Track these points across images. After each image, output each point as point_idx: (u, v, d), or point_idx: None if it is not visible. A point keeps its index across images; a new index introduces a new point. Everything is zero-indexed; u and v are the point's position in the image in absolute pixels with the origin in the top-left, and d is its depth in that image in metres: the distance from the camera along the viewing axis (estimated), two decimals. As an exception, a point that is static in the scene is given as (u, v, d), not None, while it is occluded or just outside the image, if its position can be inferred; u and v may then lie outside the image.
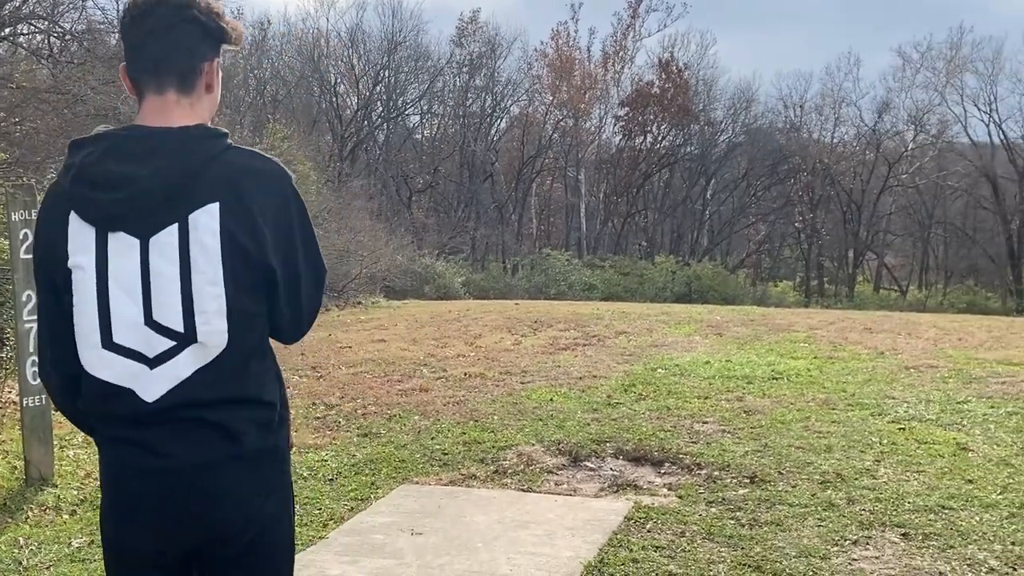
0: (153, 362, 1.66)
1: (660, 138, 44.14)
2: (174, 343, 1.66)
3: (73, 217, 1.66)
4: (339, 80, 40.55)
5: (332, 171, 29.98)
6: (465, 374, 8.64)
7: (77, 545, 4.30)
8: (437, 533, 4.47)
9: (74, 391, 1.76)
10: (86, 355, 1.68)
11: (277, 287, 1.73)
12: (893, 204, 49.08)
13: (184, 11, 1.72)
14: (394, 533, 4.47)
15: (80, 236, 1.66)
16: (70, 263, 1.66)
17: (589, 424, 6.56)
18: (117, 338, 1.66)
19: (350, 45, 40.07)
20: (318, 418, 6.97)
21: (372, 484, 5.28)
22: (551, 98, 42.27)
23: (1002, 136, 50.41)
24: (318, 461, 5.75)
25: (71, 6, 14.50)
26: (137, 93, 1.75)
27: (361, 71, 40.17)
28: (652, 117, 43.15)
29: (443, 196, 42.37)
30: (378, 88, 40.37)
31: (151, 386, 1.66)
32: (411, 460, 5.76)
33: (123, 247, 1.64)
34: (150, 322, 1.65)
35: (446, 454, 5.88)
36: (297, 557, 2.83)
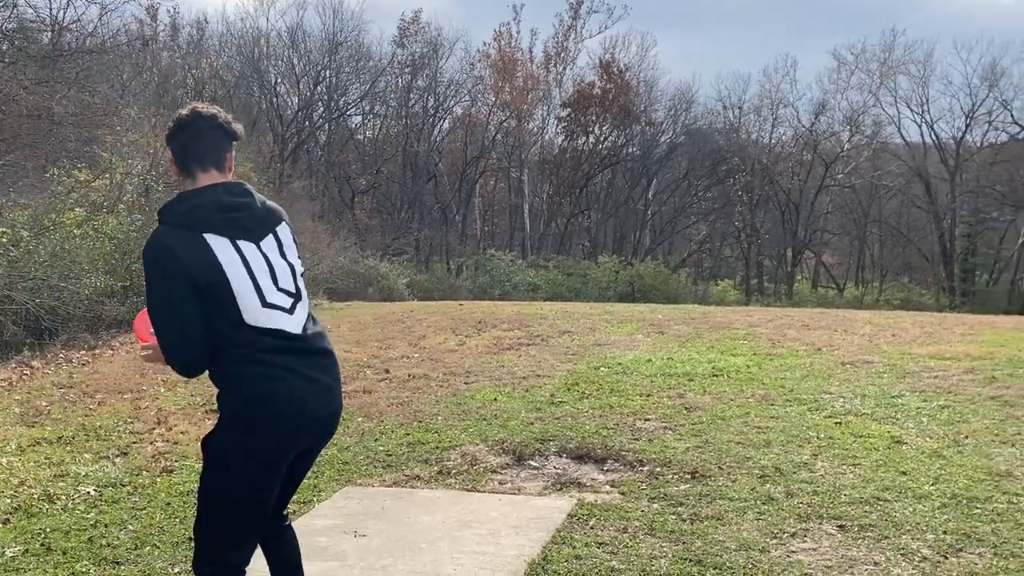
0: (289, 311, 2.71)
1: (602, 139, 44.48)
2: (293, 299, 2.75)
3: (209, 236, 2.61)
4: (279, 80, 40.11)
5: (273, 172, 29.59)
6: (409, 375, 8.61)
7: (11, 554, 4.19)
8: (380, 534, 4.45)
9: (207, 357, 2.64)
10: (251, 314, 2.63)
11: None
12: (830, 204, 50.18)
13: (212, 121, 2.73)
14: (337, 535, 4.44)
15: (220, 245, 2.62)
16: (222, 260, 2.60)
17: (533, 423, 6.59)
18: (269, 299, 2.67)
19: (291, 45, 39.65)
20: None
21: (315, 487, 5.24)
22: (494, 99, 42.32)
23: (934, 136, 51.75)
24: (260, 465, 5.67)
25: (1, 4, 14.09)
26: (186, 174, 2.74)
27: (302, 71, 39.77)
28: (594, 118, 43.47)
29: (386, 197, 42.13)
30: (319, 88, 40.00)
31: (292, 326, 2.70)
32: (354, 462, 5.72)
33: (250, 248, 2.67)
34: (279, 289, 2.71)
35: (390, 455, 5.86)
36: (238, 561, 2.81)
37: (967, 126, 51.38)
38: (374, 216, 39.80)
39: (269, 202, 2.82)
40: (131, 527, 4.56)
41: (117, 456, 5.89)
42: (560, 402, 7.31)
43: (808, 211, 47.32)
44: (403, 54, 41.68)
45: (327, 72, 39.79)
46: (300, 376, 2.65)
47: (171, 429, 6.57)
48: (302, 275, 2.84)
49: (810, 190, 47.29)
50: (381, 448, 6.02)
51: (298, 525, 4.51)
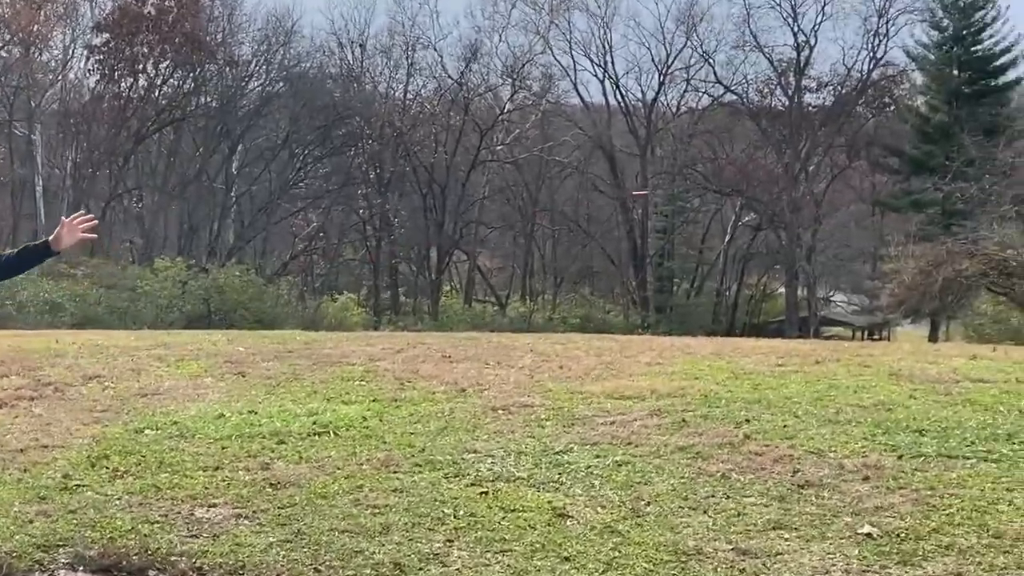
0: None
1: (159, 82, 43.55)
2: None
3: None
4: None
5: None
6: None
7: None
8: None
9: None
10: None
11: None
12: (487, 185, 52.83)
13: None
14: None
15: None
16: None
17: (33, 520, 6.25)
18: None
19: None
20: None
21: None
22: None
23: (619, 97, 56.58)
24: None
25: None
26: None
27: None
28: (146, 50, 42.44)
29: None
30: None
31: None
32: None
33: None
34: None
35: None
36: None
37: (661, 84, 56.77)
38: None
39: None
40: None
41: None
42: (78, 486, 6.99)
43: (459, 195, 49.29)
44: None
45: None
46: None
47: None
48: None
49: (461, 166, 49.31)
50: None
51: None
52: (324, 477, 7.18)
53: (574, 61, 54.89)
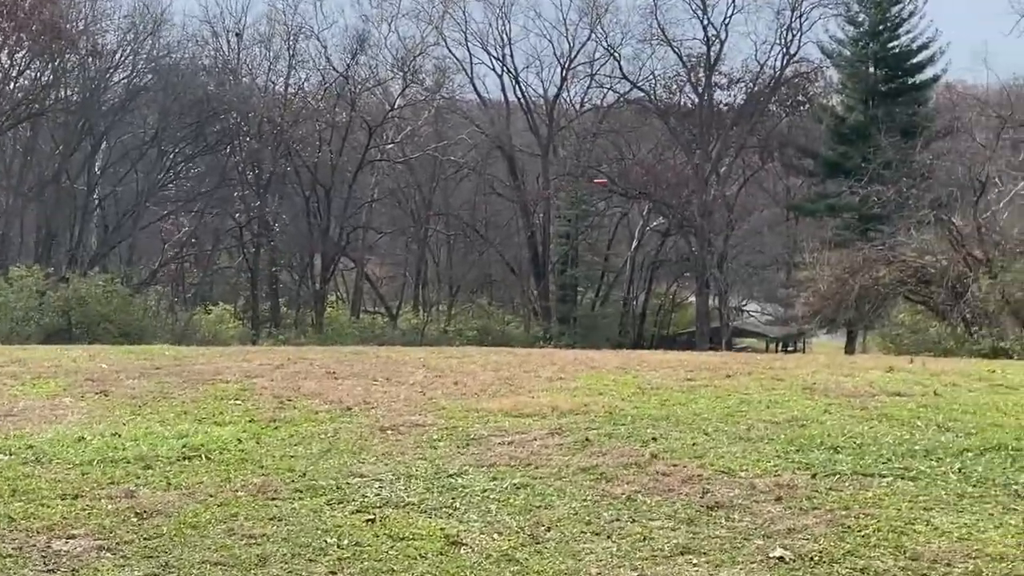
0: None
1: (15, 73, 42.79)
2: None
3: None
4: None
5: None
6: None
7: None
8: None
9: None
10: None
11: None
12: (376, 187, 52.68)
13: None
14: None
15: None
16: None
17: None
18: None
19: None
20: None
21: None
22: None
23: (519, 93, 56.83)
24: None
25: None
26: None
27: None
28: (0, 39, 41.63)
29: None
30: None
31: None
32: None
33: None
34: None
35: None
36: None
37: (563, 80, 57.11)
38: None
39: None
40: None
41: None
42: (-82, 518, 6.82)
43: (345, 198, 49.09)
44: None
45: None
46: None
47: None
48: None
49: (347, 166, 49.08)
50: None
51: None
52: (195, 505, 7.09)
53: (470, 54, 55.06)
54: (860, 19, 54.75)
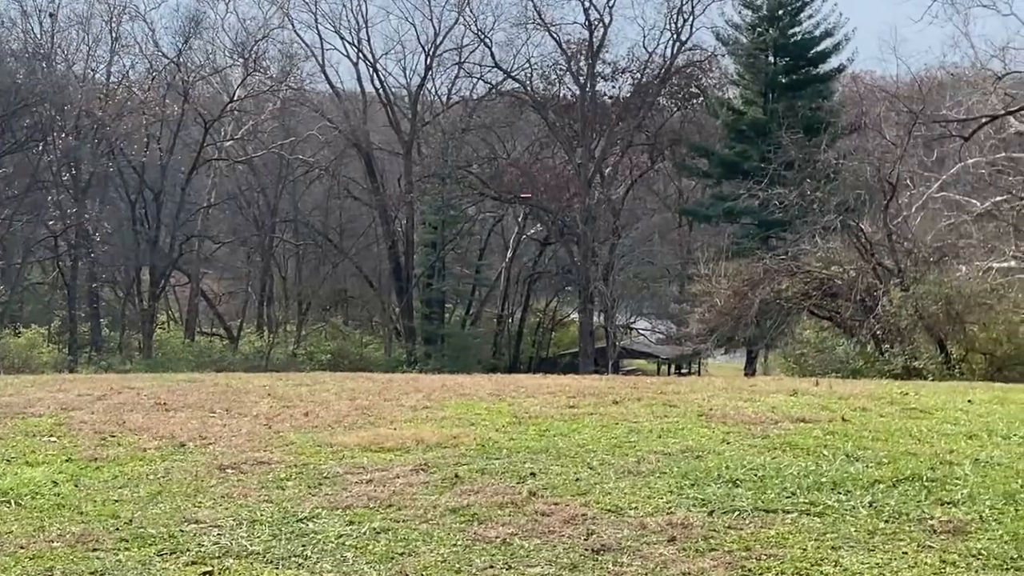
0: None
1: None
2: None
3: None
4: None
5: None
6: None
7: None
8: None
9: None
10: None
11: None
12: (214, 190, 52.02)
13: None
14: None
15: None
16: None
17: None
18: None
19: None
20: None
21: None
22: None
23: (377, 83, 56.59)
24: None
25: None
26: None
27: None
28: None
29: None
30: None
31: None
32: None
33: None
34: None
35: None
36: None
37: (428, 68, 57.07)
38: None
39: None
40: None
41: None
42: None
43: (178, 202, 48.53)
44: None
45: None
46: None
47: None
48: None
49: (180, 166, 48.57)
50: None
51: None
52: (3, 559, 6.88)
53: (321, 38, 54.86)
54: (758, 2, 55.31)
